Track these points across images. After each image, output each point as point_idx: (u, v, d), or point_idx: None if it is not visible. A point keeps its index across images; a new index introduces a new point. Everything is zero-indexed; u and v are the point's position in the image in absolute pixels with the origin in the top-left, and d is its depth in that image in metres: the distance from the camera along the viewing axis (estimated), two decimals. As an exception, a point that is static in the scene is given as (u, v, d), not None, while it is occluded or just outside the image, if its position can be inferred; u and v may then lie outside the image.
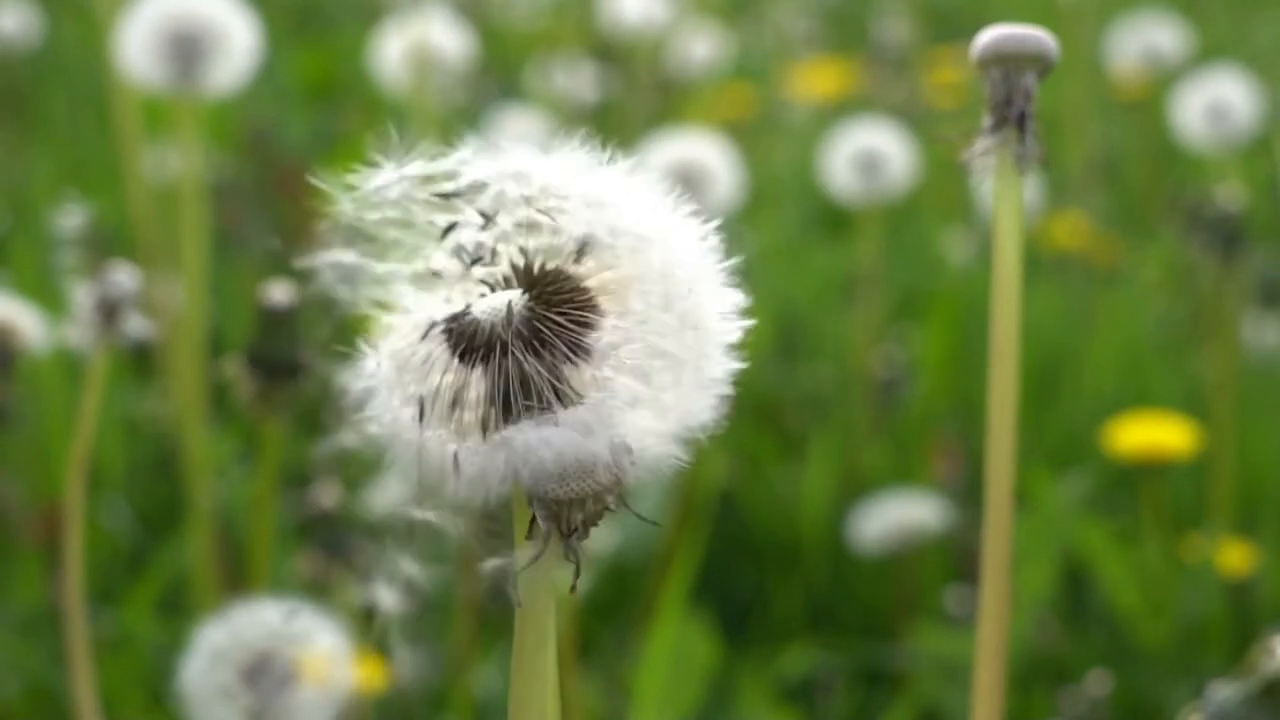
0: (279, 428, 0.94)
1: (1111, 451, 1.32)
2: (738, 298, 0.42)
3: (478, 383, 0.41)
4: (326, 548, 1.03)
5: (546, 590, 0.42)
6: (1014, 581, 1.14)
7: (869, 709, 1.23)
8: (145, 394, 1.50)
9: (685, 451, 0.41)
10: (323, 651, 0.82)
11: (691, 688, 1.12)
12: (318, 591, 1.03)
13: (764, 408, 1.56)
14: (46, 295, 1.25)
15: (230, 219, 1.83)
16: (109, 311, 0.78)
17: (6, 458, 1.38)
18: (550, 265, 0.41)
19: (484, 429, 0.40)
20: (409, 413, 0.41)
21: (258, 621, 0.83)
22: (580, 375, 0.40)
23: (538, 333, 0.40)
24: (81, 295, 0.79)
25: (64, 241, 1.50)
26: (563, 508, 0.40)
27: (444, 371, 0.41)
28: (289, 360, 0.91)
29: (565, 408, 0.40)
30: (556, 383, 0.40)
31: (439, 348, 0.41)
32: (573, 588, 0.41)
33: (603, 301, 0.41)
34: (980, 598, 0.53)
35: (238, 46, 1.23)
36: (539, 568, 0.41)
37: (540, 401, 0.40)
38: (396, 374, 0.42)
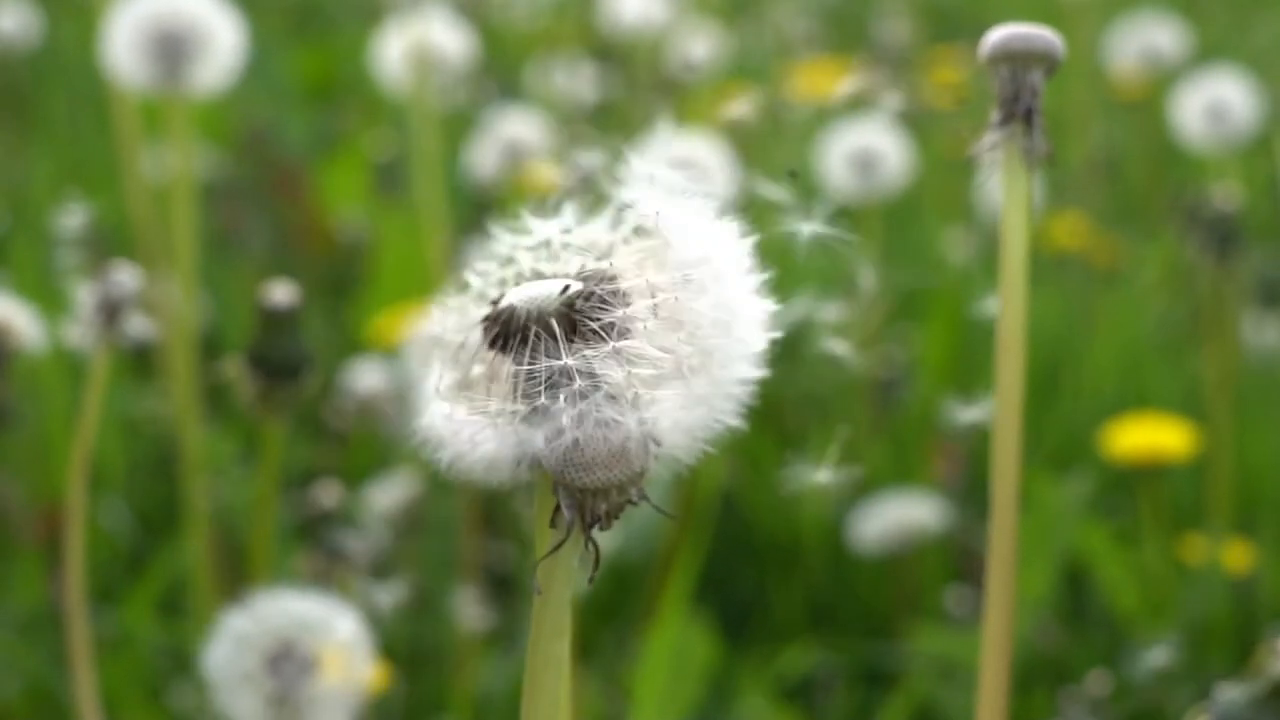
0: (279, 428, 0.94)
1: (1111, 452, 1.32)
2: (766, 307, 0.42)
3: (510, 369, 0.41)
4: (326, 548, 1.04)
5: (565, 580, 0.42)
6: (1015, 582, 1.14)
7: (869, 709, 1.23)
8: (145, 394, 1.49)
9: (702, 449, 0.41)
10: (343, 642, 0.83)
11: (691, 688, 1.12)
12: (317, 592, 1.03)
13: (764, 408, 1.56)
14: (46, 295, 1.25)
15: (229, 219, 1.83)
16: (111, 311, 0.78)
17: (6, 458, 1.38)
18: (587, 261, 0.42)
19: (513, 415, 0.41)
20: (442, 397, 0.42)
21: (281, 610, 0.84)
22: (610, 367, 0.41)
23: (571, 323, 0.41)
24: (83, 295, 0.79)
25: (64, 241, 1.50)
26: (587, 496, 0.40)
27: (479, 357, 0.42)
28: (289, 360, 0.91)
29: (595, 397, 0.40)
30: (587, 372, 0.41)
31: (475, 334, 0.42)
32: (591, 579, 0.41)
33: (635, 298, 0.42)
34: (984, 597, 0.53)
35: (223, 46, 1.23)
36: (559, 557, 0.41)
37: (570, 390, 0.40)
38: (435, 360, 0.42)
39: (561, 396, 0.40)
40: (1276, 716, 0.55)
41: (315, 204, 1.87)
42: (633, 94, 2.23)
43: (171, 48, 1.22)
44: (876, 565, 1.35)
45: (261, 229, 1.84)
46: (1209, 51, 2.31)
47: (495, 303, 0.42)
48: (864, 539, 1.33)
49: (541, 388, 0.40)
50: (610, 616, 1.31)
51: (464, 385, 0.42)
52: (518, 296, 0.42)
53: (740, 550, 1.41)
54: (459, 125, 1.94)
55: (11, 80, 2.28)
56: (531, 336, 0.41)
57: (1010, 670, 0.53)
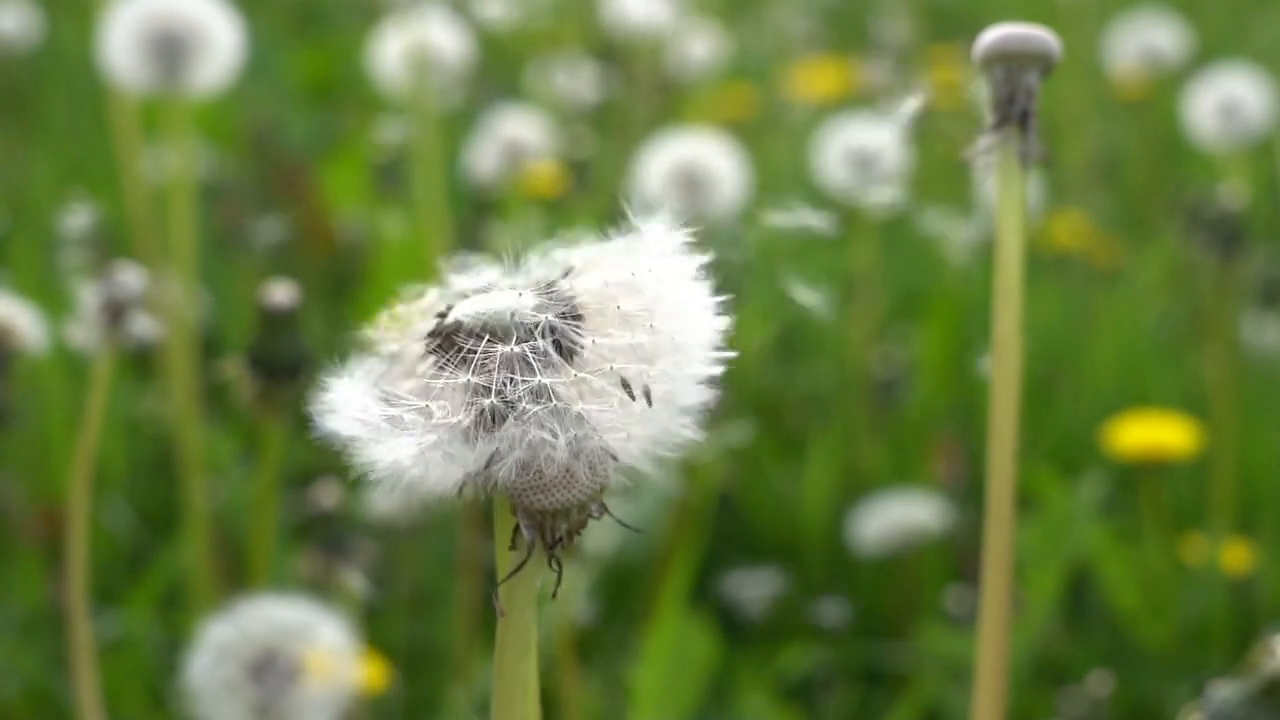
0: (279, 428, 0.94)
1: (1112, 452, 1.32)
2: (722, 324, 0.41)
3: (458, 386, 0.40)
4: (326, 548, 1.03)
5: (529, 600, 0.41)
6: (1023, 588, 1.14)
7: (869, 709, 1.23)
8: (145, 394, 1.50)
9: (664, 461, 0.41)
10: (327, 647, 0.83)
11: (691, 687, 1.12)
12: (318, 591, 1.03)
13: (764, 408, 1.56)
14: (47, 295, 1.25)
15: (230, 219, 1.83)
16: (115, 312, 0.78)
17: (6, 458, 1.38)
18: (543, 278, 0.42)
19: (463, 433, 0.40)
20: (387, 414, 0.41)
21: (263, 617, 0.83)
22: (559, 384, 0.40)
23: (519, 339, 0.40)
24: (87, 295, 0.79)
25: (65, 241, 1.50)
26: (547, 517, 0.40)
27: (425, 372, 0.41)
28: (289, 360, 0.91)
29: (542, 415, 0.39)
30: (535, 389, 0.40)
31: (420, 348, 0.41)
32: (554, 594, 0.41)
33: (588, 311, 0.41)
34: (981, 597, 0.53)
35: (221, 46, 1.23)
36: (522, 577, 0.40)
37: (517, 408, 0.40)
38: (381, 376, 0.41)
39: (508, 414, 0.39)
40: (1269, 714, 0.55)
41: (318, 204, 1.87)
42: (633, 94, 2.23)
43: (170, 48, 1.22)
44: (876, 565, 1.35)
45: (263, 229, 1.84)
46: (1209, 51, 2.31)
47: (442, 316, 0.41)
48: (864, 539, 1.33)
49: (487, 405, 0.40)
50: (610, 616, 1.31)
51: (408, 400, 0.41)
52: (464, 310, 0.41)
53: (740, 550, 1.41)
54: (459, 125, 1.94)
55: (11, 80, 2.28)
56: (479, 352, 0.40)
57: (1007, 669, 0.53)
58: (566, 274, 0.42)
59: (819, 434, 1.46)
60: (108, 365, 0.79)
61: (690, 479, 1.30)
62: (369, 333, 0.43)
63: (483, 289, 0.42)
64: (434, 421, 0.40)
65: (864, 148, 1.64)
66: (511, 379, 0.40)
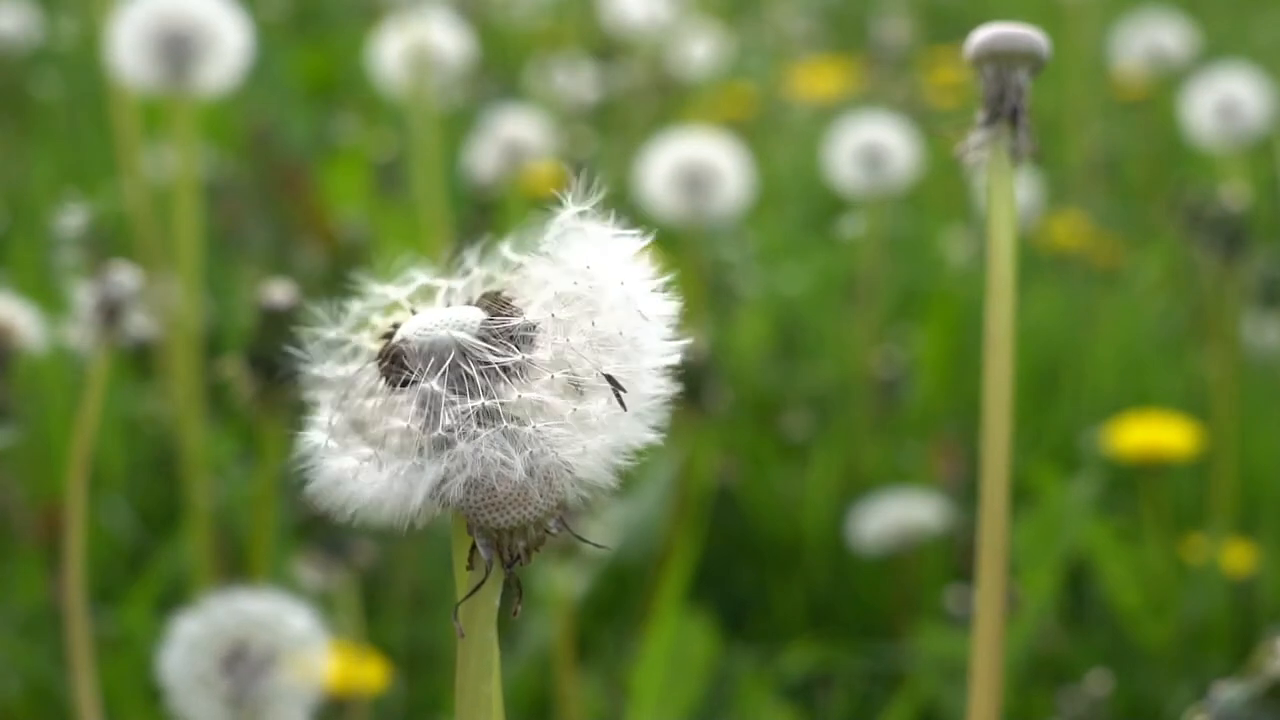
0: (278, 427, 0.94)
1: (1113, 451, 1.32)
2: (672, 314, 0.41)
3: (408, 405, 0.40)
4: (326, 548, 1.03)
5: (489, 619, 0.41)
6: (1020, 585, 1.14)
7: (869, 709, 1.23)
8: (145, 394, 1.49)
9: (623, 468, 0.40)
10: (299, 639, 0.83)
11: (691, 686, 1.12)
12: (318, 591, 1.03)
13: (764, 408, 1.56)
14: (46, 295, 1.25)
15: (230, 219, 1.82)
16: (110, 312, 0.78)
17: (6, 458, 1.38)
18: (485, 287, 0.41)
19: (410, 453, 0.39)
20: (334, 437, 0.40)
21: (234, 611, 0.84)
22: (511, 400, 0.39)
23: (469, 356, 0.40)
24: (83, 295, 0.79)
25: (63, 241, 1.49)
26: (504, 535, 0.39)
27: (372, 393, 0.40)
28: (289, 360, 0.91)
29: (494, 433, 0.39)
30: (486, 407, 0.39)
31: (368, 368, 0.41)
32: (515, 612, 0.40)
33: (535, 321, 0.40)
34: (976, 595, 0.53)
35: (229, 46, 1.23)
36: (481, 597, 0.40)
37: (469, 426, 0.39)
38: (323, 397, 0.41)
39: (460, 432, 0.39)
40: (1274, 716, 0.55)
41: (317, 203, 1.87)
42: (633, 94, 2.23)
43: (177, 48, 1.22)
44: (876, 565, 1.35)
45: (264, 229, 1.84)
46: (1212, 51, 2.31)
47: (389, 335, 0.40)
48: (864, 539, 1.33)
49: (439, 423, 0.39)
50: (609, 616, 1.31)
51: (356, 423, 0.40)
52: (410, 330, 0.40)
53: (740, 550, 1.41)
54: (459, 125, 1.94)
55: (11, 80, 2.27)
56: (428, 370, 0.39)
57: (1008, 669, 0.53)
58: (510, 281, 0.41)
59: (819, 434, 1.46)
60: (104, 365, 0.78)
61: (689, 478, 1.29)
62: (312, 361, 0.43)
63: (425, 300, 0.41)
64: (381, 445, 0.39)
65: (874, 146, 1.64)
66: (457, 401, 0.39)
